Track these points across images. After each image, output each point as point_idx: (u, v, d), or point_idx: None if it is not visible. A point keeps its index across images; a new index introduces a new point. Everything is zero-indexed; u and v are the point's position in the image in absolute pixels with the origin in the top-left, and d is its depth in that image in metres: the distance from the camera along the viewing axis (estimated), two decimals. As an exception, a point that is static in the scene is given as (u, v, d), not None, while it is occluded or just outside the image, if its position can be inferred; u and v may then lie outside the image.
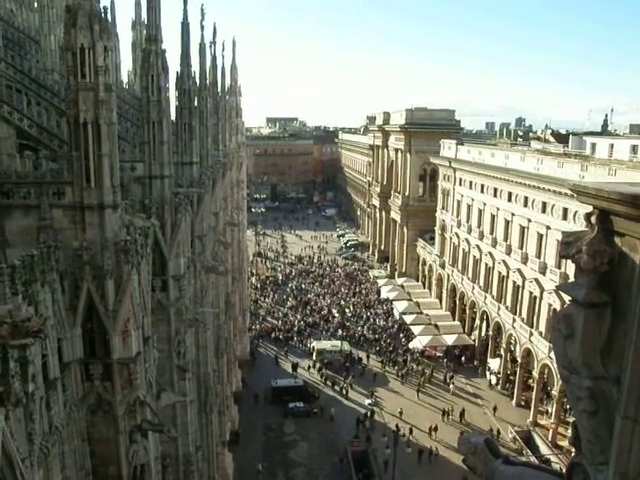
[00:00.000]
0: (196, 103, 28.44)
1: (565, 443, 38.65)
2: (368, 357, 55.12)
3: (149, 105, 19.94)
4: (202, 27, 33.53)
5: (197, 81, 30.32)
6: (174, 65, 25.07)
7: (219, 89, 43.71)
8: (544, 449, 39.50)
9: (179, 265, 20.91)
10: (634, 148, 43.95)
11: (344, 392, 48.39)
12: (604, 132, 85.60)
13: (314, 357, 54.00)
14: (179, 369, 21.07)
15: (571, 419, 35.66)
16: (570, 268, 35.30)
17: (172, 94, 23.54)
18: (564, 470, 5.11)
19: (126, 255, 13.89)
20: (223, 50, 48.05)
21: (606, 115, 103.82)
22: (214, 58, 41.59)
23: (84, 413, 13.95)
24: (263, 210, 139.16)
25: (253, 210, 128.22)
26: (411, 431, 41.98)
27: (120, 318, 13.79)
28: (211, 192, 30.21)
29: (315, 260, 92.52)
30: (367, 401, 46.90)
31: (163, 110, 20.17)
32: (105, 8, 14.00)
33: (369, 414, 44.97)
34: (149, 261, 17.20)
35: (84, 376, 13.84)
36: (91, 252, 13.56)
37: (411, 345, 56.34)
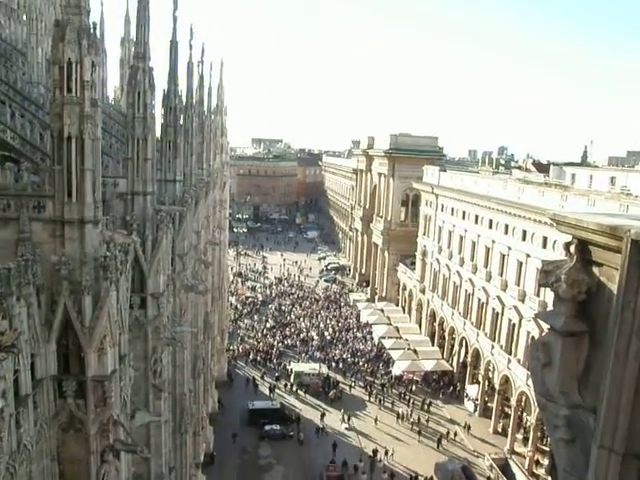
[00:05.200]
0: (181, 121, 28.49)
1: (542, 471, 38.59)
2: (345, 378, 54.87)
3: (134, 121, 19.94)
4: (190, 46, 33.72)
5: (183, 99, 30.39)
6: (161, 83, 25.17)
7: (205, 108, 43.85)
8: (520, 477, 39.41)
9: (158, 283, 20.72)
10: (612, 180, 44.83)
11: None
12: (583, 163, 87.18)
13: (292, 379, 53.63)
14: (155, 388, 20.75)
15: (548, 447, 35.71)
16: (549, 296, 35.55)
17: (158, 111, 23.59)
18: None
19: (105, 271, 13.74)
20: (211, 69, 48.42)
21: (585, 147, 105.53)
22: (201, 77, 41.75)
23: (55, 431, 13.65)
24: (245, 230, 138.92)
25: (235, 230, 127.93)
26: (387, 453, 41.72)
27: (96, 335, 13.59)
28: (193, 210, 30.11)
29: (295, 282, 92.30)
30: (344, 425, 46.55)
31: (148, 127, 20.18)
32: (94, 24, 14.06)
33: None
34: (128, 278, 17.03)
35: (57, 393, 13.57)
36: (70, 267, 13.40)
37: (392, 372, 56.16)
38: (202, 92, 42.14)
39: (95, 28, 14.10)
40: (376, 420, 46.52)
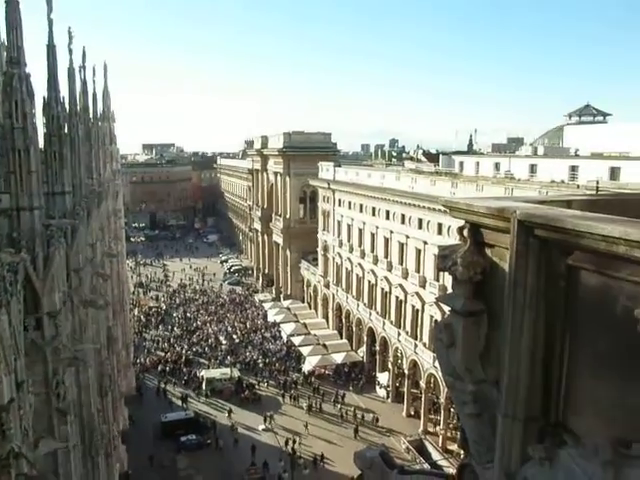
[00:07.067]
0: (66, 130, 27.11)
1: (455, 447, 40.38)
2: (257, 379, 54.76)
3: (13, 132, 18.71)
4: (70, 50, 32.10)
5: (67, 107, 28.94)
6: (41, 90, 23.81)
7: (91, 115, 42.00)
8: (436, 455, 41.04)
9: (54, 301, 19.63)
10: (497, 165, 47.49)
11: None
12: (470, 151, 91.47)
13: (204, 387, 52.67)
14: (59, 413, 19.66)
15: (459, 423, 37.41)
16: (448, 280, 37.26)
17: (39, 120, 22.30)
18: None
19: (-7, 294, 12.86)
20: (94, 75, 46.43)
21: (471, 135, 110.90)
22: (84, 83, 39.86)
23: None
24: (143, 239, 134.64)
25: (132, 239, 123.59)
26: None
27: (-11, 363, 12.70)
28: (86, 222, 28.78)
29: (199, 287, 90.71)
30: (261, 426, 46.33)
31: (30, 137, 19.01)
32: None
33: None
34: (20, 299, 16.02)
35: (-53, 432, 12.55)
36: (-48, 293, 12.42)
37: (304, 368, 56.55)
38: (86, 98, 40.31)
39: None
40: (307, 425, 46.25)
